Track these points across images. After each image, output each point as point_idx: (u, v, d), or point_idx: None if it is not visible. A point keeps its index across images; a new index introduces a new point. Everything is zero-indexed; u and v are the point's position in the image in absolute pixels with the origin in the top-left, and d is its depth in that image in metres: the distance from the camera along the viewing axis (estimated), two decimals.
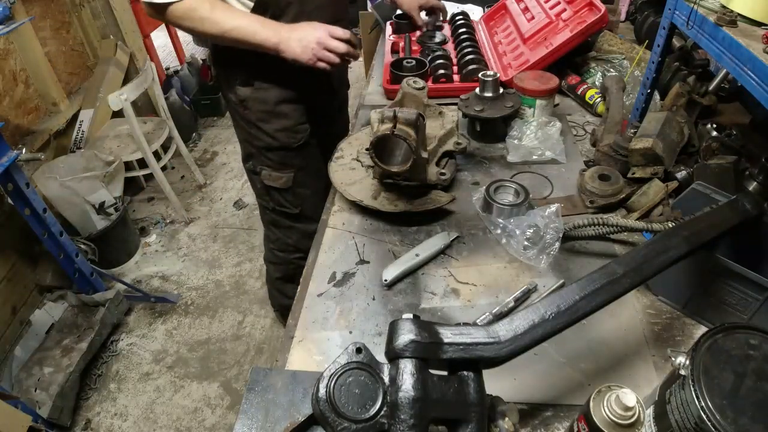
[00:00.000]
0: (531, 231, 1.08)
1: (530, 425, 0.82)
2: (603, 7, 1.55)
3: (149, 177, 3.30)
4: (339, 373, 0.65)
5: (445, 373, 0.68)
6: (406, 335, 0.64)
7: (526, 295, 1.01)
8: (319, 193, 1.57)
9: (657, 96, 1.47)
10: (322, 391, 0.64)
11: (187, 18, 1.27)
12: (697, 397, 0.60)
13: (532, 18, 1.78)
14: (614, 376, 0.87)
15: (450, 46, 1.92)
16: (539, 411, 0.83)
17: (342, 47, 1.30)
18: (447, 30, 2.06)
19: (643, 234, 1.11)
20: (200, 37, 1.47)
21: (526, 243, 1.08)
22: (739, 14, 0.96)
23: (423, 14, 1.80)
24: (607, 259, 1.09)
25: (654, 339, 0.93)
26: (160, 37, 4.46)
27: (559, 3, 1.73)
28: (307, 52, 1.28)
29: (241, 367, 2.32)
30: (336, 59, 1.31)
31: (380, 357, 0.68)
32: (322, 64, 1.31)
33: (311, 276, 1.11)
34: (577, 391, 0.85)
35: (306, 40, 1.28)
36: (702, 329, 0.94)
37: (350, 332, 0.98)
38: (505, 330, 0.68)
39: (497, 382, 0.75)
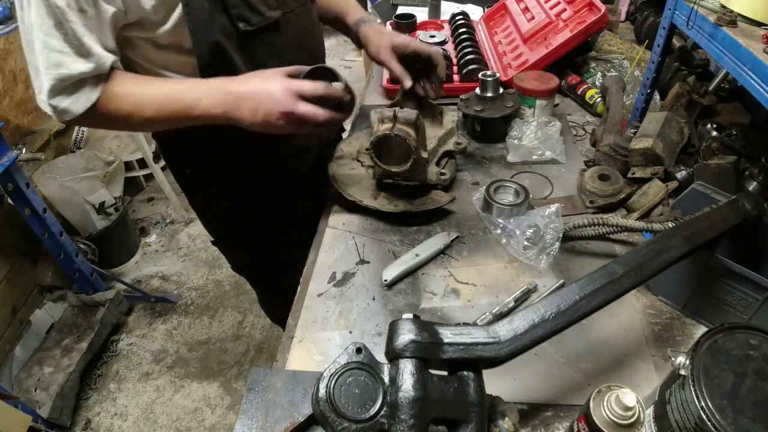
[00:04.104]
0: (531, 231, 1.08)
1: (530, 425, 0.82)
2: (603, 7, 1.55)
3: (149, 177, 3.31)
4: (339, 373, 0.65)
5: (445, 373, 0.68)
6: (406, 335, 0.64)
7: (526, 295, 1.01)
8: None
9: (657, 96, 1.47)
10: (322, 391, 0.64)
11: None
12: (697, 397, 0.60)
13: (532, 18, 1.78)
14: (614, 376, 0.87)
15: (450, 46, 1.92)
16: (539, 411, 0.83)
17: (319, 115, 0.94)
18: (447, 30, 2.06)
19: (643, 234, 1.11)
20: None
21: (526, 243, 1.08)
22: (739, 14, 0.96)
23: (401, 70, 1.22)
24: (607, 259, 1.09)
25: (654, 339, 0.93)
26: None
27: (559, 3, 1.73)
28: (269, 127, 0.95)
29: (241, 367, 2.33)
30: (315, 130, 1.00)
31: (380, 357, 0.68)
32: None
33: (311, 276, 1.11)
34: (577, 391, 0.85)
35: (262, 112, 0.93)
36: (702, 329, 0.94)
37: (350, 332, 0.98)
38: (505, 330, 0.68)
39: (497, 382, 0.75)
